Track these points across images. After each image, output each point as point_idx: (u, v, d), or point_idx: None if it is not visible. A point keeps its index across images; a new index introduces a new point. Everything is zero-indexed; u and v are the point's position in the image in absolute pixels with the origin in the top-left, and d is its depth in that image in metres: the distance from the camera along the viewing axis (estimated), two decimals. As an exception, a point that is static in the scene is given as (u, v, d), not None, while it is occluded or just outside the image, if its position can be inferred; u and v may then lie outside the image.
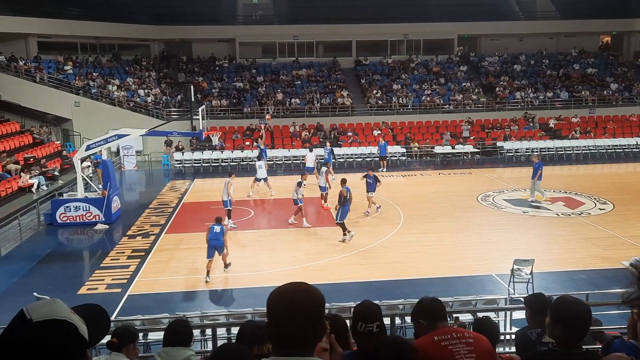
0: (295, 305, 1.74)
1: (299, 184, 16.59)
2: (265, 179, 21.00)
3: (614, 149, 28.81)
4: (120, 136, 18.15)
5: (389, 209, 18.41)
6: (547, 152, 28.65)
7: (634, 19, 37.39)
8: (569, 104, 32.81)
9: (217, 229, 12.42)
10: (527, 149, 28.78)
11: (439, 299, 3.43)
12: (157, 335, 7.66)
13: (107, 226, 17.10)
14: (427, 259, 13.46)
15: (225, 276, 12.72)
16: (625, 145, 28.96)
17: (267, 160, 24.12)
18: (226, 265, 12.77)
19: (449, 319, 7.79)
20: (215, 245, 12.32)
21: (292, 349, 1.74)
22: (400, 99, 32.54)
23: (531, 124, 31.52)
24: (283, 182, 22.90)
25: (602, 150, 28.81)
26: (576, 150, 28.81)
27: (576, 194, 20.05)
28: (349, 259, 13.62)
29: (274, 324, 1.76)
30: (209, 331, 7.50)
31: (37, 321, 1.36)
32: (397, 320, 7.97)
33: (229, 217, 16.45)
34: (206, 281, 12.29)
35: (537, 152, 26.57)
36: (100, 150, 18.48)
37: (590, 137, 29.94)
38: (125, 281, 12.43)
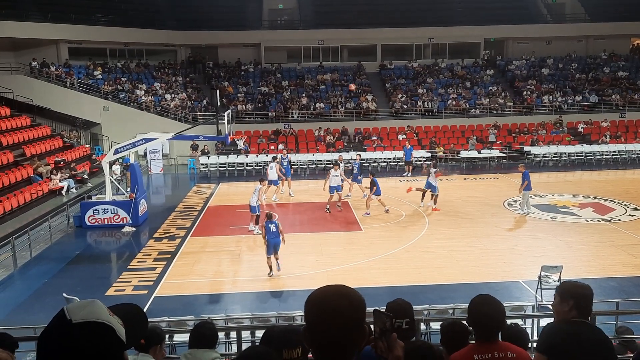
0: (334, 312, 1.61)
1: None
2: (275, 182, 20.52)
3: (646, 154, 28.15)
4: (147, 140, 18.43)
5: (414, 213, 18.29)
6: (576, 157, 28.13)
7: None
8: (598, 108, 32.16)
9: (273, 227, 12.76)
10: (555, 154, 28.32)
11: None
12: (182, 337, 7.74)
13: (134, 229, 17.35)
14: (453, 265, 13.32)
15: (250, 279, 12.79)
16: (657, 150, 28.27)
17: (292, 165, 24.02)
18: (278, 267, 12.96)
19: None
20: (275, 243, 12.73)
21: (330, 357, 1.64)
22: (426, 103, 32.34)
23: (560, 129, 30.98)
24: (307, 186, 22.94)
25: (633, 156, 28.16)
26: (606, 155, 28.21)
27: (606, 199, 19.63)
28: (373, 263, 13.56)
29: (311, 330, 1.65)
30: (233, 334, 7.55)
31: (77, 322, 1.36)
32: (422, 326, 7.90)
33: (256, 223, 16.42)
34: (270, 275, 12.73)
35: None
36: (128, 154, 18.78)
37: (621, 142, 29.29)
38: (151, 283, 12.59)
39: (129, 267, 13.92)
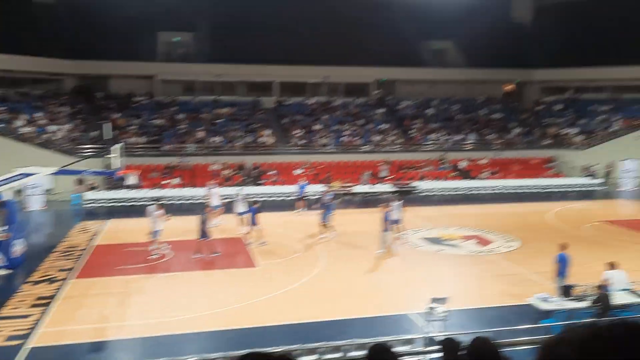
0: None
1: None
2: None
3: (519, 189, 30.72)
4: (27, 175, 17.13)
5: (309, 248, 18.45)
6: (460, 192, 30.09)
7: (532, 70, 40.70)
8: (478, 146, 34.81)
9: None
10: (440, 189, 30.10)
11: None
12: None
13: (9, 271, 15.86)
14: (348, 300, 13.52)
15: (139, 324, 12.12)
16: (528, 185, 30.98)
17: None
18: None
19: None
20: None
21: None
22: (322, 139, 33.15)
23: (445, 165, 33.08)
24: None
25: (508, 191, 30.63)
26: (484, 190, 30.46)
27: (486, 232, 21.07)
28: (268, 301, 13.42)
29: None
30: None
31: None
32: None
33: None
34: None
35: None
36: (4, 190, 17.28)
37: (497, 178, 31.82)
38: (28, 332, 11.51)
39: (0, 315, 12.64)
